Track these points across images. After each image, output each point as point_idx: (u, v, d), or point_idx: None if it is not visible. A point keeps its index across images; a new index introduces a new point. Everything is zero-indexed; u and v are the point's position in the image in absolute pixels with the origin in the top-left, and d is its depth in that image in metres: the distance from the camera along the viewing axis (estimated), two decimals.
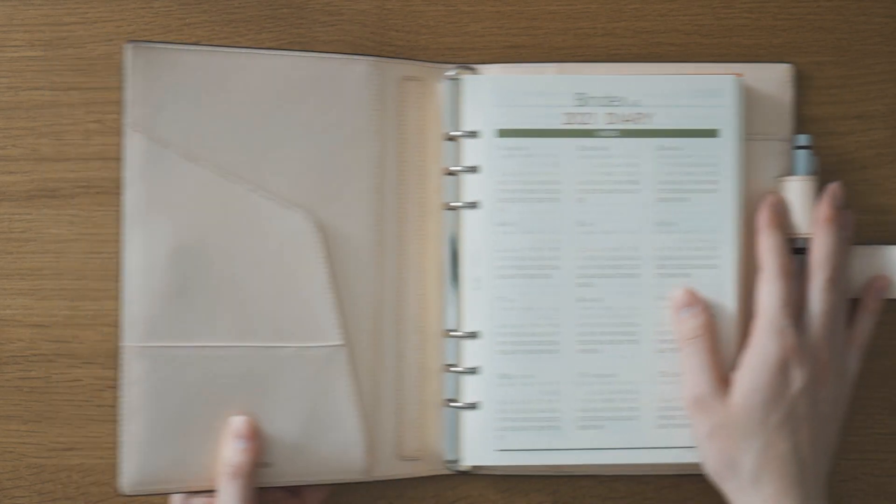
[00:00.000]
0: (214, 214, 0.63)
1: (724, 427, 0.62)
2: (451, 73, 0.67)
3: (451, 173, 0.66)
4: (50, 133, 0.68)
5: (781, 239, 0.65)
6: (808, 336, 0.63)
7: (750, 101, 0.67)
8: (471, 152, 0.66)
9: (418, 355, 0.67)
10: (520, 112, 0.65)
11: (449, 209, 0.66)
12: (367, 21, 0.69)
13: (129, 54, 0.63)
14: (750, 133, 0.67)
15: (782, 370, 0.62)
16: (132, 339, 0.63)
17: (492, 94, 0.65)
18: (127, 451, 0.63)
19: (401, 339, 0.66)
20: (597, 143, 0.65)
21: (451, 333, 0.66)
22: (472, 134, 0.66)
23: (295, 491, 0.66)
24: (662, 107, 0.65)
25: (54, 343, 0.68)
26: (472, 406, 0.66)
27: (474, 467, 0.67)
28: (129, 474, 0.63)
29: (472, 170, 0.66)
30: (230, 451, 0.62)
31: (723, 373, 0.64)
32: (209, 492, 0.63)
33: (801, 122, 0.68)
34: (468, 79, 0.66)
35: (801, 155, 0.67)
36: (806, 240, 0.66)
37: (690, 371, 0.64)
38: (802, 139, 0.67)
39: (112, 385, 0.68)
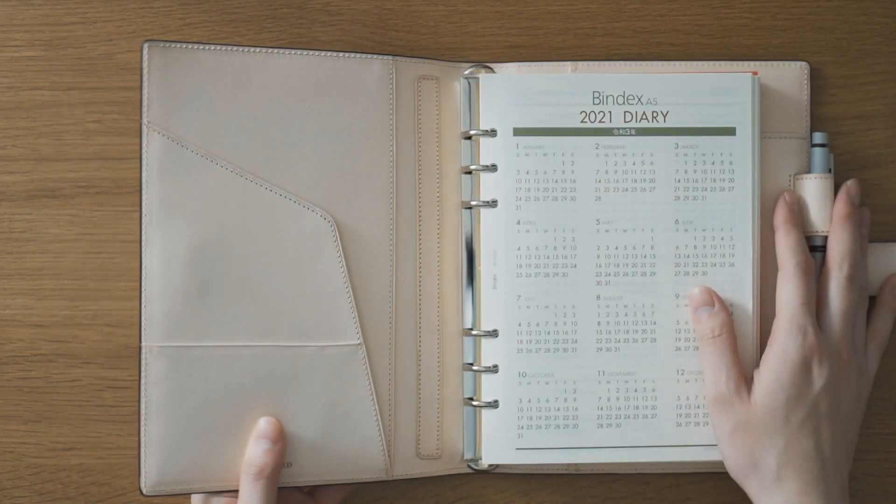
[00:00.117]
0: (233, 214, 0.63)
1: (746, 426, 0.62)
2: (468, 71, 0.67)
3: (469, 172, 0.66)
4: (50, 133, 0.68)
5: (800, 237, 0.65)
6: (828, 334, 0.64)
7: (765, 99, 0.67)
8: (488, 151, 0.66)
9: (437, 354, 0.67)
10: (536, 110, 0.65)
11: (467, 208, 0.66)
12: (367, 21, 0.69)
13: (147, 53, 0.62)
14: (765, 131, 0.67)
15: (804, 369, 0.62)
16: (152, 338, 0.62)
17: (508, 92, 0.66)
18: (147, 451, 0.62)
19: (419, 338, 0.66)
20: (613, 142, 0.66)
21: (471, 332, 0.66)
22: (489, 132, 0.66)
23: (311, 491, 0.66)
24: (679, 105, 0.66)
25: (54, 343, 0.68)
26: (492, 405, 0.66)
27: (493, 466, 0.67)
28: (150, 475, 0.62)
29: (490, 168, 0.66)
30: (254, 452, 0.62)
31: (743, 371, 0.64)
32: (230, 492, 0.63)
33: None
34: (485, 77, 0.66)
35: (818, 153, 0.67)
36: (823, 237, 0.66)
37: (711, 370, 0.64)
38: (819, 137, 0.67)
39: (112, 385, 0.68)
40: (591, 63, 0.68)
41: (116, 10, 0.69)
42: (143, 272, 0.62)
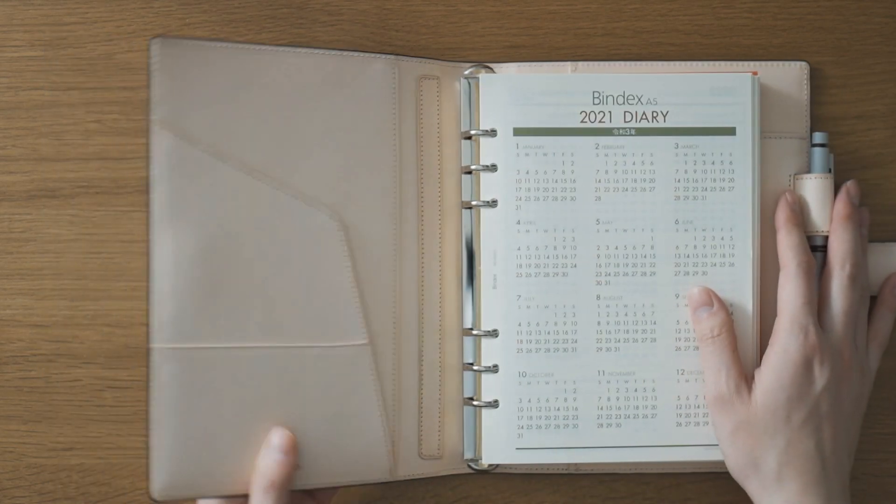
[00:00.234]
0: (242, 213, 0.62)
1: (747, 425, 0.62)
2: (468, 71, 0.67)
3: (469, 172, 0.67)
4: (50, 133, 0.68)
5: (801, 236, 0.65)
6: (830, 334, 0.64)
7: (765, 99, 0.67)
8: (488, 151, 0.66)
9: (438, 354, 0.67)
10: (536, 110, 0.65)
11: (467, 208, 0.66)
12: (367, 21, 0.69)
13: (157, 50, 0.61)
14: (765, 131, 0.67)
15: (806, 368, 0.62)
16: (161, 340, 0.61)
17: (508, 92, 0.66)
18: (157, 455, 0.61)
19: (422, 337, 0.66)
20: (613, 142, 0.66)
21: (471, 332, 0.66)
22: (490, 132, 0.66)
23: (310, 491, 0.66)
24: (679, 105, 0.66)
25: (54, 343, 0.68)
26: (492, 404, 0.66)
27: (493, 466, 0.67)
28: (160, 480, 0.61)
29: (490, 168, 0.66)
30: (266, 464, 0.61)
31: (743, 370, 0.64)
32: (240, 496, 0.62)
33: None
34: (484, 77, 0.66)
35: (818, 153, 0.67)
36: (823, 237, 0.66)
37: (711, 370, 0.64)
38: (819, 137, 0.67)
39: (112, 385, 0.68)
40: (591, 63, 0.68)
41: (116, 10, 0.69)
42: (152, 273, 0.61)
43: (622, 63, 0.68)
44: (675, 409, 0.66)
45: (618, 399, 0.66)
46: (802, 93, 0.68)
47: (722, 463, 0.64)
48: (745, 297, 0.66)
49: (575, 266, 0.65)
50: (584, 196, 0.65)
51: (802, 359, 0.62)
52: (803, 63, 0.68)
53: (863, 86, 0.69)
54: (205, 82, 0.62)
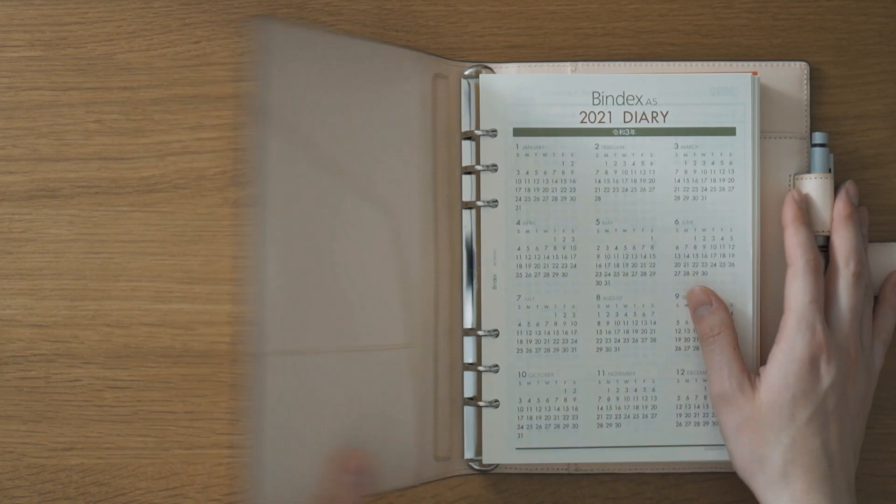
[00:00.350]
0: (328, 212, 0.60)
1: (752, 422, 0.62)
2: (468, 72, 0.67)
3: (470, 172, 0.67)
4: (50, 133, 0.68)
5: (809, 234, 0.65)
6: (837, 332, 0.64)
7: (765, 99, 0.67)
8: (488, 151, 0.66)
9: (448, 354, 0.66)
10: (536, 111, 0.66)
11: (468, 208, 0.66)
12: (368, 21, 0.69)
13: (261, 32, 0.55)
14: (765, 131, 0.67)
15: (812, 366, 0.62)
16: (262, 344, 0.56)
17: (508, 92, 0.66)
18: (257, 467, 0.55)
19: (437, 338, 0.66)
20: (613, 142, 0.66)
21: (475, 332, 0.66)
22: (490, 133, 0.66)
23: None
24: (679, 105, 0.66)
25: (54, 343, 0.68)
26: (492, 404, 0.66)
27: (493, 466, 0.67)
28: (263, 492, 0.55)
29: (490, 168, 0.66)
30: (339, 486, 0.58)
31: (745, 368, 0.64)
32: None
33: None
34: (485, 77, 0.66)
35: (818, 152, 0.67)
36: (823, 237, 0.66)
37: (713, 368, 0.64)
38: (819, 137, 0.67)
39: (112, 385, 0.68)
40: (591, 63, 0.68)
41: (116, 10, 0.69)
42: (250, 273, 0.56)
43: (622, 63, 0.68)
44: (675, 409, 0.66)
45: (618, 399, 0.66)
46: (802, 93, 0.68)
47: (722, 463, 0.64)
48: (745, 297, 0.66)
49: (575, 266, 0.65)
50: (584, 196, 0.65)
51: (809, 356, 0.62)
52: (803, 63, 0.68)
53: (863, 86, 0.69)
54: (306, 71, 0.58)
